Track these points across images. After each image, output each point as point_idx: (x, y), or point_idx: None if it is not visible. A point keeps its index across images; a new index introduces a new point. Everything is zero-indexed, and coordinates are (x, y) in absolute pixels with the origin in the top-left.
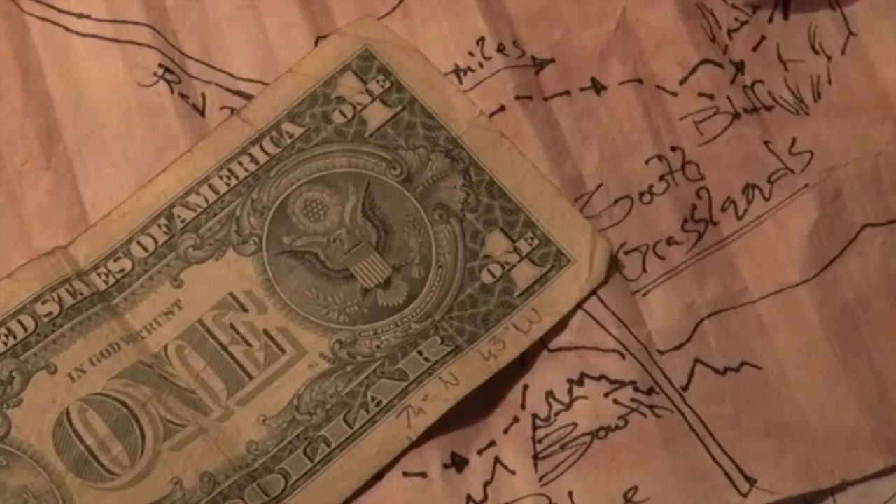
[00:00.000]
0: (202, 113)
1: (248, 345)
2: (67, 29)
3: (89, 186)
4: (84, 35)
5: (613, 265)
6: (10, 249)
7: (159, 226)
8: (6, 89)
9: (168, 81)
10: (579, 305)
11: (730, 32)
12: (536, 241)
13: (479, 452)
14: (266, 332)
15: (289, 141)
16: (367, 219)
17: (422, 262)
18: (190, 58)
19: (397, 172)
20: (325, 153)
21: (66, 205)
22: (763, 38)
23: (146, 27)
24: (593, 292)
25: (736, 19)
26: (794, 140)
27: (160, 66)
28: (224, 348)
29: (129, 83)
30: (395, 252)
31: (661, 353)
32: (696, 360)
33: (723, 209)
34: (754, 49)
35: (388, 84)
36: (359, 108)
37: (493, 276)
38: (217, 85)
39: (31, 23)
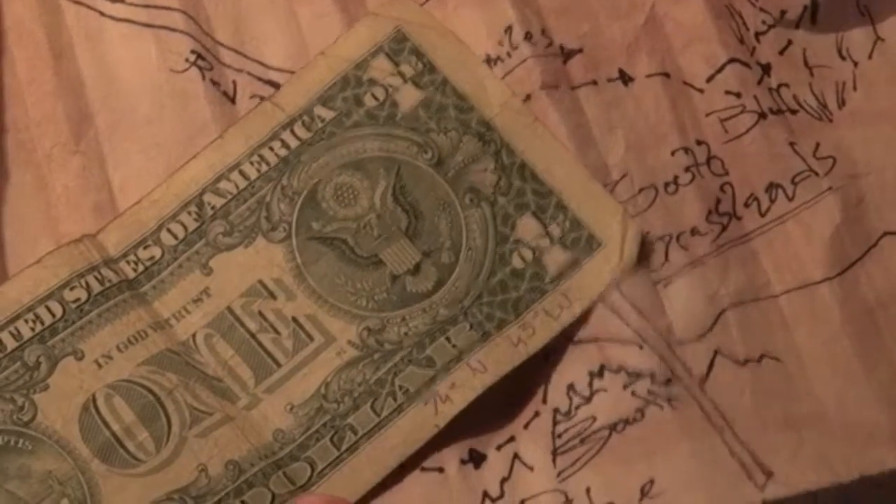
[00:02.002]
0: (233, 101)
1: (277, 332)
2: (101, 13)
3: (118, 171)
4: (117, 19)
5: (644, 249)
6: (36, 232)
7: (189, 213)
8: (39, 72)
9: (200, 68)
10: (620, 294)
11: (757, 35)
12: (568, 225)
13: (498, 448)
14: (295, 320)
15: (320, 125)
16: (397, 203)
17: (452, 247)
18: (222, 45)
19: (429, 156)
20: (357, 137)
21: (95, 188)
22: (790, 42)
23: (179, 13)
24: (622, 277)
25: (763, 22)
26: (817, 145)
27: (192, 52)
28: (252, 336)
29: (161, 69)
30: (424, 237)
31: (682, 343)
32: (717, 352)
33: (746, 205)
34: (781, 53)
35: (420, 66)
36: (390, 90)
37: (524, 260)
38: (249, 73)
39: (66, 6)
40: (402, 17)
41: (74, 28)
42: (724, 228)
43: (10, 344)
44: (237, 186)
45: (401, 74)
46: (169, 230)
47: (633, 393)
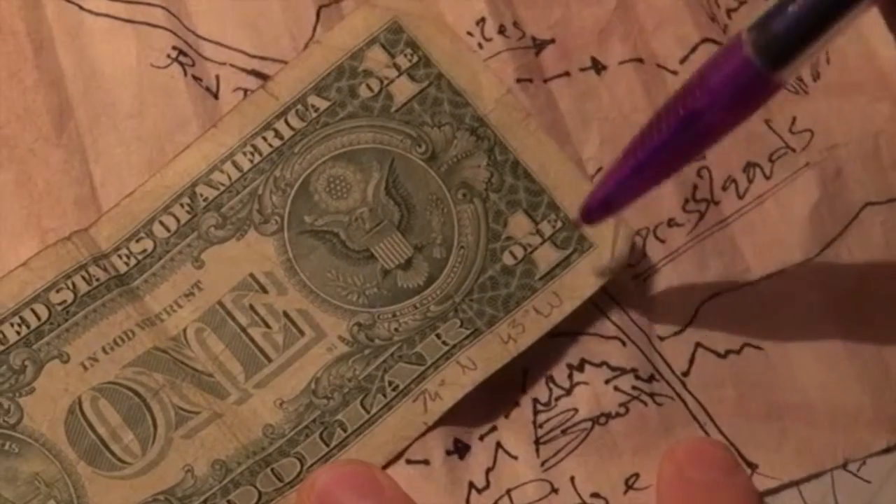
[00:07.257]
0: (216, 95)
1: (268, 327)
2: (81, 7)
3: (99, 164)
4: (97, 14)
5: (635, 249)
6: (19, 229)
7: (182, 205)
8: (19, 66)
9: (181, 64)
10: (602, 289)
11: (729, 12)
12: (559, 224)
13: (481, 438)
14: (286, 314)
15: (314, 115)
16: (389, 197)
17: (443, 243)
18: (205, 39)
19: (422, 150)
20: (351, 128)
21: (76, 182)
22: None
23: (160, 9)
24: (613, 277)
25: None
26: (794, 119)
27: (174, 48)
28: (243, 330)
29: (142, 64)
30: (416, 232)
31: (662, 339)
32: (697, 345)
33: (724, 188)
34: None
35: (415, 58)
36: (385, 82)
37: (515, 257)
38: (231, 66)
39: (46, 1)
40: (399, 9)
41: (55, 22)
42: (701, 216)
43: None
44: (230, 178)
45: (396, 66)
46: (161, 223)
47: (615, 388)
